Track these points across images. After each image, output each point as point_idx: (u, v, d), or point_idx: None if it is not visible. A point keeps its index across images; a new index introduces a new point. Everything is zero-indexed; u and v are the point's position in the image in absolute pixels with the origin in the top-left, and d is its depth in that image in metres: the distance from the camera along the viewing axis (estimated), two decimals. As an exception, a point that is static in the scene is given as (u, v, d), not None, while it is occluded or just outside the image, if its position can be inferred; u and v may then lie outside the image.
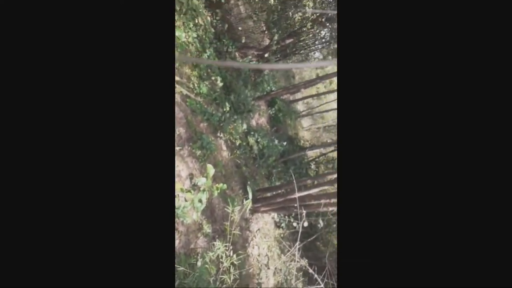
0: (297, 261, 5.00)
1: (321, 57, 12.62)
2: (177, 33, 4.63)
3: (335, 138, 10.75)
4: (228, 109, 5.40)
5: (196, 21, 5.13)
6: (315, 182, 5.20)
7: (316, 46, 8.32)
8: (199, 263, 3.61)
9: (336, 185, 5.31)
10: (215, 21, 6.13)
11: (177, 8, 4.69)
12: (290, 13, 6.48)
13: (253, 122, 7.18)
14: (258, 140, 6.09)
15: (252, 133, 6.14)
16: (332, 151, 8.68)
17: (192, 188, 4.18)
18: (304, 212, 4.48)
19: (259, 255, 5.08)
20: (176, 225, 3.73)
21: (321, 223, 5.86)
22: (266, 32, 7.67)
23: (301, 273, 4.89)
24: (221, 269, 3.56)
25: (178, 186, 3.85)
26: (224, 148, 5.42)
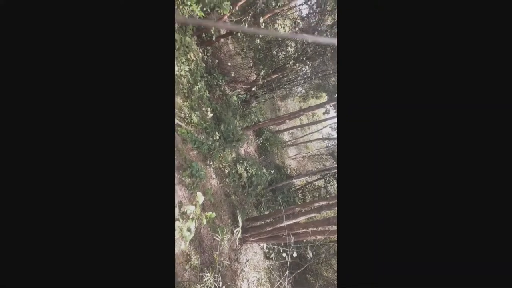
0: (288, 295, 4.81)
1: (303, 91, 13.49)
2: (170, 67, 4.92)
3: (319, 167, 11.06)
4: (218, 138, 5.55)
5: (188, 56, 5.50)
6: (303, 210, 5.26)
7: (298, 81, 8.98)
8: (185, 300, 3.41)
9: (322, 213, 5.39)
10: (206, 56, 6.58)
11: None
12: (275, 51, 7.12)
13: (242, 151, 7.34)
14: (247, 168, 6.19)
15: (241, 161, 6.26)
16: (318, 179, 8.90)
17: (181, 217, 4.10)
18: (293, 239, 4.46)
19: (248, 289, 4.85)
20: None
21: (310, 253, 5.79)
22: (253, 68, 8.26)
23: (292, 308, 4.68)
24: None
25: (167, 214, 3.76)
26: (214, 176, 5.45)
